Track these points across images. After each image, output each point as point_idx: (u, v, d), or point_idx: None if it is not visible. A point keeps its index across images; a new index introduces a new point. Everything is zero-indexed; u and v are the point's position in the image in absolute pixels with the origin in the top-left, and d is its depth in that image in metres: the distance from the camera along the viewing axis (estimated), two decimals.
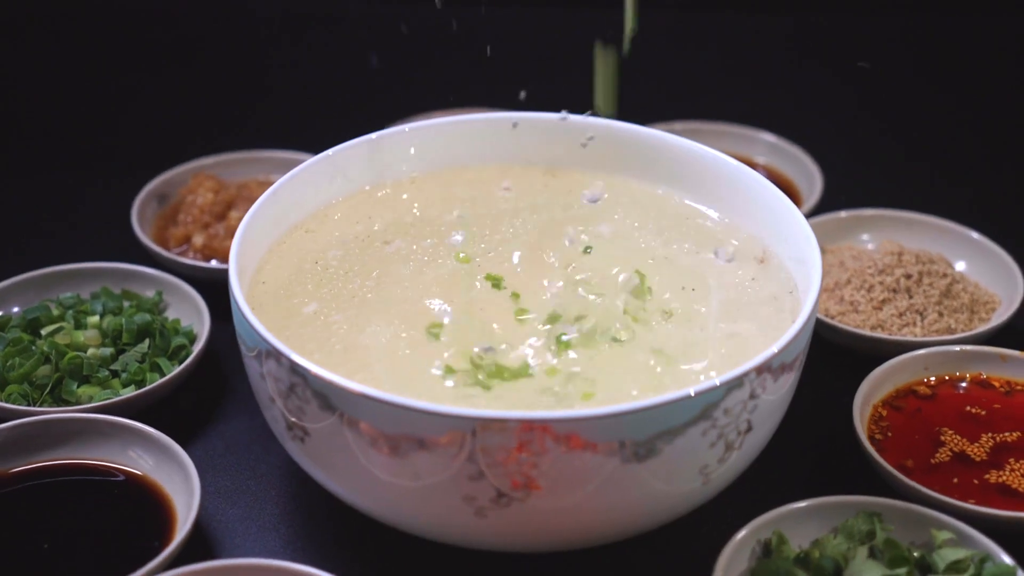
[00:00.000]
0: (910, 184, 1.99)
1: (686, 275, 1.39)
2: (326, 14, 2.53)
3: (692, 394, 1.12)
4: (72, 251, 1.69)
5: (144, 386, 1.45)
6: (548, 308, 1.33)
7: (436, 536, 1.24)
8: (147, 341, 1.50)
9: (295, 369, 1.16)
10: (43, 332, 1.50)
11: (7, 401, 1.41)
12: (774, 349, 1.18)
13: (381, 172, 1.52)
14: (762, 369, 1.17)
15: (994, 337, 1.58)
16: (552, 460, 1.11)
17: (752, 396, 1.18)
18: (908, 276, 1.62)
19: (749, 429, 1.20)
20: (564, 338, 1.28)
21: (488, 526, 1.17)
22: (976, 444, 1.41)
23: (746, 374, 1.15)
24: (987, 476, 1.37)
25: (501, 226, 1.46)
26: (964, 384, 1.50)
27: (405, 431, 1.12)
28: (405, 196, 1.51)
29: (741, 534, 1.24)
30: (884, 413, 1.45)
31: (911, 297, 1.60)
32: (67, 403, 1.43)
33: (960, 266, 1.71)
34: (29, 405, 1.42)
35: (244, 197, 1.76)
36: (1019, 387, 1.49)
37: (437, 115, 1.93)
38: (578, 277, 1.37)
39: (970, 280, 1.68)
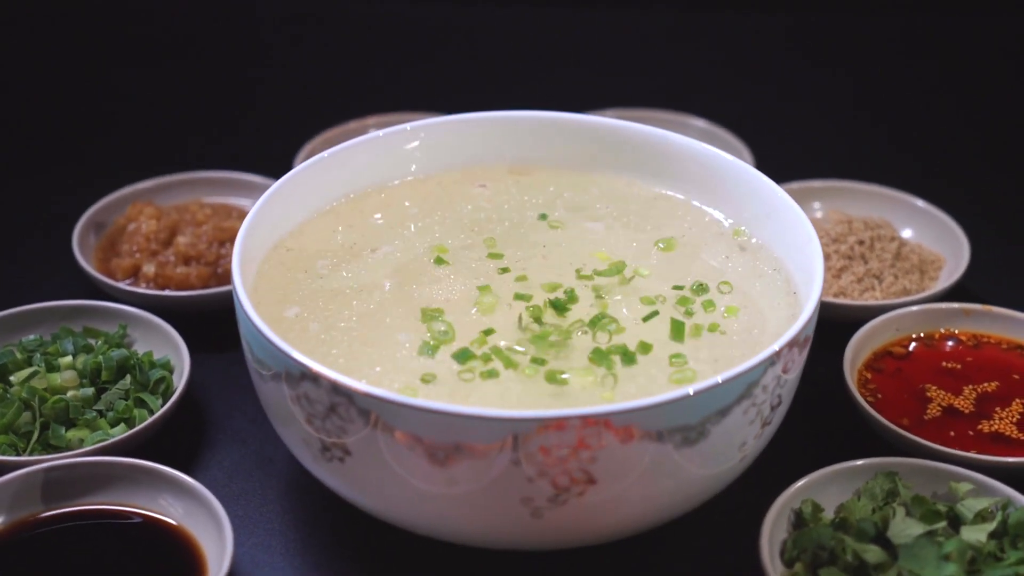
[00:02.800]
0: (829, 155, 2.06)
1: (675, 263, 1.41)
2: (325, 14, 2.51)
3: (749, 366, 1.14)
4: (15, 292, 1.63)
5: (134, 423, 1.40)
6: (551, 309, 1.33)
7: (485, 543, 1.23)
8: (128, 377, 1.45)
9: (338, 389, 1.14)
10: (12, 379, 1.44)
11: None
12: (800, 323, 1.21)
13: (354, 182, 1.50)
14: (792, 343, 1.20)
15: (949, 295, 1.64)
16: (610, 453, 1.12)
17: (784, 371, 1.20)
18: (861, 242, 1.67)
19: (779, 403, 1.23)
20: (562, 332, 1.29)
21: (543, 526, 1.17)
22: (961, 397, 1.47)
23: (781, 350, 1.18)
24: (979, 427, 1.43)
25: (506, 230, 1.47)
26: (933, 341, 1.56)
27: (460, 439, 1.11)
28: (405, 201, 1.51)
29: (776, 506, 1.26)
30: (869, 376, 1.50)
31: (867, 263, 1.66)
32: (56, 449, 1.37)
33: (907, 234, 1.77)
34: (18, 455, 1.36)
35: (186, 221, 1.71)
36: (985, 339, 1.55)
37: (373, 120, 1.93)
38: (577, 273, 1.38)
39: (912, 242, 1.74)
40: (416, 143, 1.53)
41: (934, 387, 1.48)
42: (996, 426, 1.42)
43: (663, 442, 1.13)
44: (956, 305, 1.57)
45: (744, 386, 1.15)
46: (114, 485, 1.29)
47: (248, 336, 1.23)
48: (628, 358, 1.25)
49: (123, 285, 1.63)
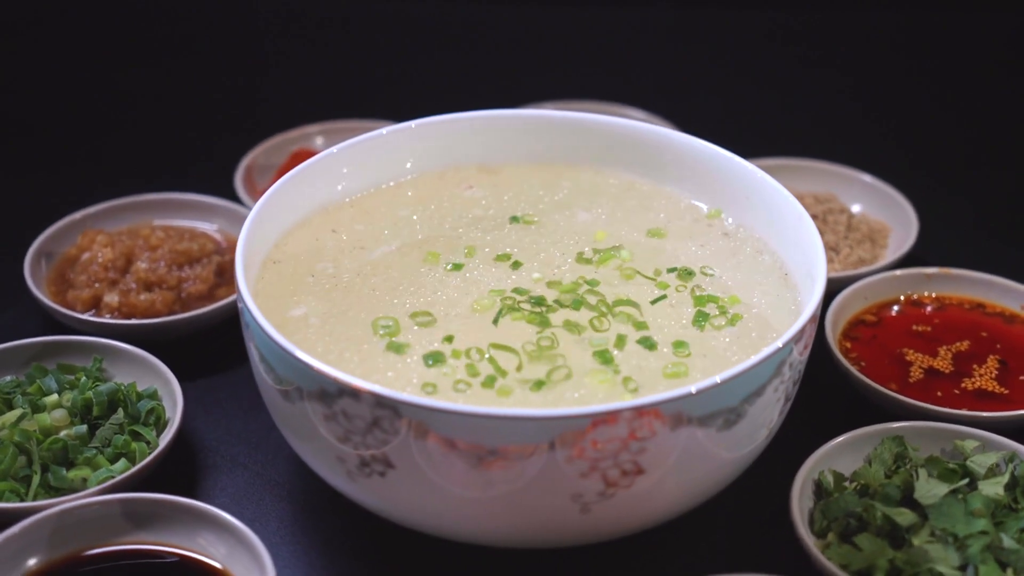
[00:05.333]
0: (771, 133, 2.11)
1: (666, 255, 1.43)
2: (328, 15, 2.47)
3: (780, 345, 1.16)
4: None
5: (134, 457, 1.36)
6: (550, 304, 1.34)
7: (530, 544, 1.24)
8: (120, 411, 1.41)
9: (382, 402, 1.13)
10: (1, 423, 1.39)
11: (0, 500, 1.30)
12: (817, 297, 1.24)
13: (334, 188, 1.49)
14: (813, 319, 1.23)
15: (904, 263, 1.70)
16: (659, 442, 1.13)
17: (806, 347, 1.24)
18: (815, 216, 1.72)
19: (799, 380, 1.26)
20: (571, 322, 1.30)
21: (591, 521, 1.18)
22: (939, 358, 1.52)
23: (804, 326, 1.21)
24: (963, 385, 1.48)
25: (481, 223, 1.47)
26: (898, 307, 1.61)
27: (510, 441, 1.11)
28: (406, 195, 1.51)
29: (799, 479, 1.29)
30: (849, 346, 1.54)
31: (822, 235, 1.70)
32: (59, 491, 1.32)
33: (855, 208, 1.83)
34: (21, 501, 1.31)
35: (141, 246, 1.67)
36: (947, 301, 1.62)
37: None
38: (579, 256, 1.40)
39: (858, 214, 1.80)
40: (400, 145, 1.52)
41: (911, 350, 1.53)
42: (978, 383, 1.48)
43: (707, 426, 1.15)
44: (918, 270, 1.63)
45: (775, 365, 1.18)
46: (150, 523, 1.25)
47: (272, 357, 1.21)
48: (648, 344, 1.27)
49: (88, 317, 1.58)
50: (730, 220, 1.47)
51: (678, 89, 2.30)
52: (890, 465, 1.33)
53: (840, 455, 1.35)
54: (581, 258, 1.40)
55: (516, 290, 1.35)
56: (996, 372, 1.49)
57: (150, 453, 1.36)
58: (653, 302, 1.33)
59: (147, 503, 1.26)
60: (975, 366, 1.51)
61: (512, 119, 1.55)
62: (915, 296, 1.62)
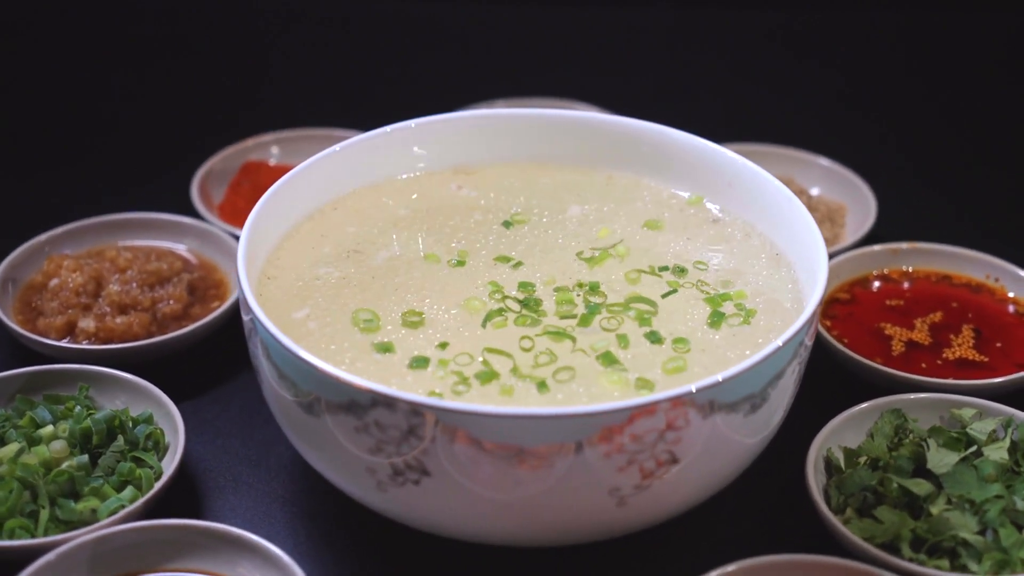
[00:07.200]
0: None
1: (660, 247, 1.45)
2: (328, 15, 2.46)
3: (799, 327, 1.19)
4: None
5: (140, 484, 1.34)
6: (551, 305, 1.35)
7: (559, 542, 1.24)
8: (120, 438, 1.38)
9: (417, 411, 1.12)
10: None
11: (12, 538, 1.26)
12: (823, 279, 1.27)
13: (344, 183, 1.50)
14: (822, 302, 1.26)
15: (864, 242, 1.74)
16: (694, 431, 1.15)
17: (814, 327, 1.26)
18: None
19: (808, 360, 1.29)
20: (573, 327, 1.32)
21: (624, 514, 1.19)
22: (916, 331, 1.57)
23: (816, 310, 1.23)
24: (944, 355, 1.53)
25: (472, 223, 1.47)
26: (870, 283, 1.65)
27: (553, 440, 1.12)
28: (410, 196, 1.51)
29: (810, 458, 1.32)
30: (829, 324, 1.58)
31: None
32: (69, 524, 1.29)
33: (814, 192, 1.87)
34: (32, 538, 1.28)
35: (109, 268, 1.64)
36: (915, 275, 1.66)
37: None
38: (579, 273, 1.40)
39: (816, 196, 1.84)
40: (397, 144, 1.53)
41: (888, 324, 1.57)
42: (957, 352, 1.53)
43: (735, 413, 1.17)
44: (883, 246, 1.67)
45: (795, 348, 1.21)
46: (180, 551, 1.24)
47: (293, 371, 1.19)
48: (655, 338, 1.29)
49: (67, 344, 1.54)
50: (715, 207, 1.49)
51: (678, 89, 2.33)
52: (892, 437, 1.36)
53: (843, 432, 1.38)
54: (581, 257, 1.41)
55: (522, 285, 1.36)
56: (973, 341, 1.54)
57: (156, 479, 1.34)
58: (664, 296, 1.35)
59: (177, 530, 1.24)
60: (952, 336, 1.55)
61: (489, 119, 1.56)
62: (885, 271, 1.66)
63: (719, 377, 1.14)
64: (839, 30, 2.54)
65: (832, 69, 2.41)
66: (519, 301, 1.34)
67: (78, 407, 1.42)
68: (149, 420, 1.42)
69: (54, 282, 1.62)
